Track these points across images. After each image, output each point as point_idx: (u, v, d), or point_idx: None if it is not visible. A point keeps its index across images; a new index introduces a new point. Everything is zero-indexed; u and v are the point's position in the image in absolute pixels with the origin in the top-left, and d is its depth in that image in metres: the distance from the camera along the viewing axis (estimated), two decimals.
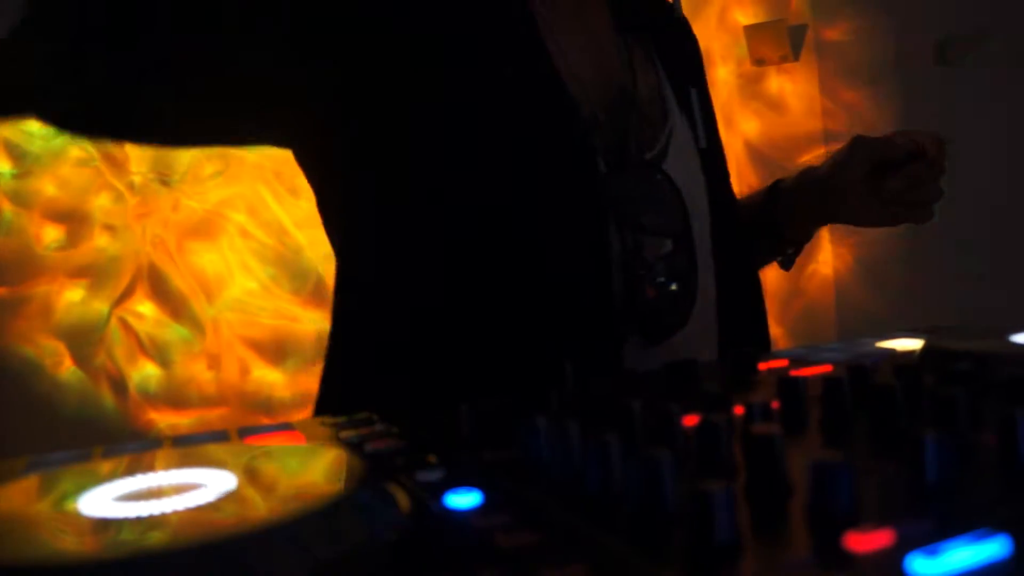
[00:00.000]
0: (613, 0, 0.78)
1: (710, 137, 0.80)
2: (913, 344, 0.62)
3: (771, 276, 1.79)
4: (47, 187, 1.96)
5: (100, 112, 0.63)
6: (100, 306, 1.98)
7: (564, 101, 0.68)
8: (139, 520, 0.28)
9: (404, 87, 0.66)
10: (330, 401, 0.74)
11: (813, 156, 2.36)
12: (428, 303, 0.67)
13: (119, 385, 1.98)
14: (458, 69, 0.66)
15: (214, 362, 2.02)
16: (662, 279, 0.68)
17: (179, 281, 2.02)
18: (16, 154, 1.94)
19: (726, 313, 0.76)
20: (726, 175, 0.84)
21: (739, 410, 0.39)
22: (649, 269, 0.67)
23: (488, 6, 0.70)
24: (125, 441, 0.46)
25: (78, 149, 1.97)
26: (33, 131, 1.95)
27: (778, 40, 2.31)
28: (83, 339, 1.97)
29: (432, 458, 0.38)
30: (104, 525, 0.28)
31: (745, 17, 2.36)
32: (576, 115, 0.68)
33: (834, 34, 2.35)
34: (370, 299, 0.71)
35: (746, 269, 0.83)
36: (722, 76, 2.35)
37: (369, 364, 0.71)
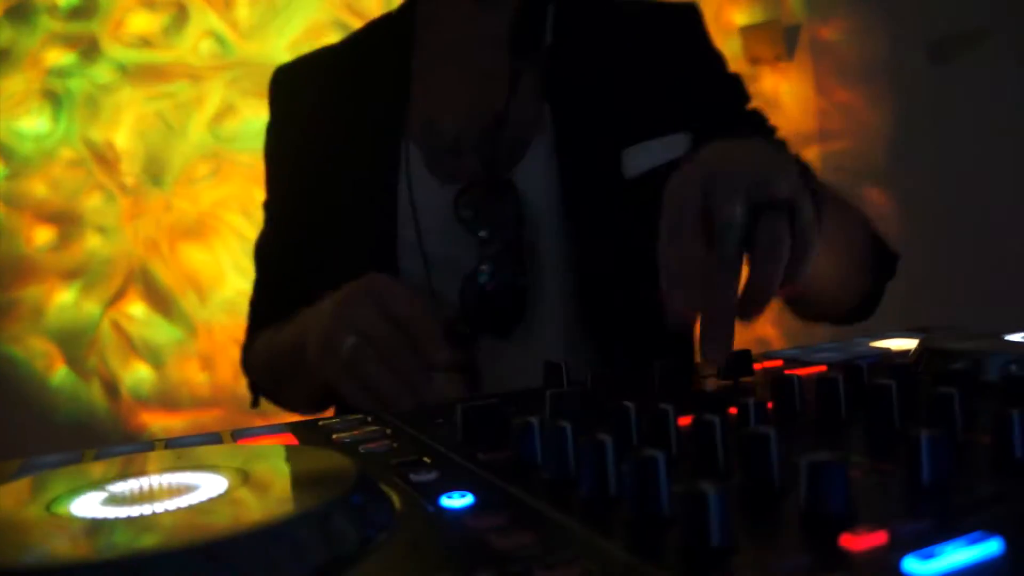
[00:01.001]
0: (514, 26, 0.82)
1: (598, 154, 0.81)
2: (908, 344, 0.62)
3: None
4: (38, 188, 1.96)
5: None
6: (92, 308, 1.97)
7: (402, 142, 0.81)
8: (131, 522, 0.28)
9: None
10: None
11: (808, 155, 2.37)
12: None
13: (111, 387, 1.97)
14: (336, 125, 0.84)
15: (207, 364, 2.02)
16: (489, 280, 0.76)
17: (171, 282, 2.01)
18: (6, 155, 1.93)
19: (596, 316, 0.80)
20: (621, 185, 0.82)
21: (733, 410, 0.39)
22: (478, 273, 0.76)
23: (369, 64, 0.87)
24: (117, 443, 0.46)
25: (69, 150, 1.97)
26: (24, 132, 1.95)
27: (773, 40, 2.31)
28: (75, 341, 1.96)
29: (426, 459, 0.38)
30: (96, 527, 0.28)
31: (740, 17, 2.36)
32: (397, 149, 0.81)
33: (829, 33, 2.35)
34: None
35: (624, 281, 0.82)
36: None
37: None
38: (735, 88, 0.90)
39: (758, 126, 0.89)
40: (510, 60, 0.81)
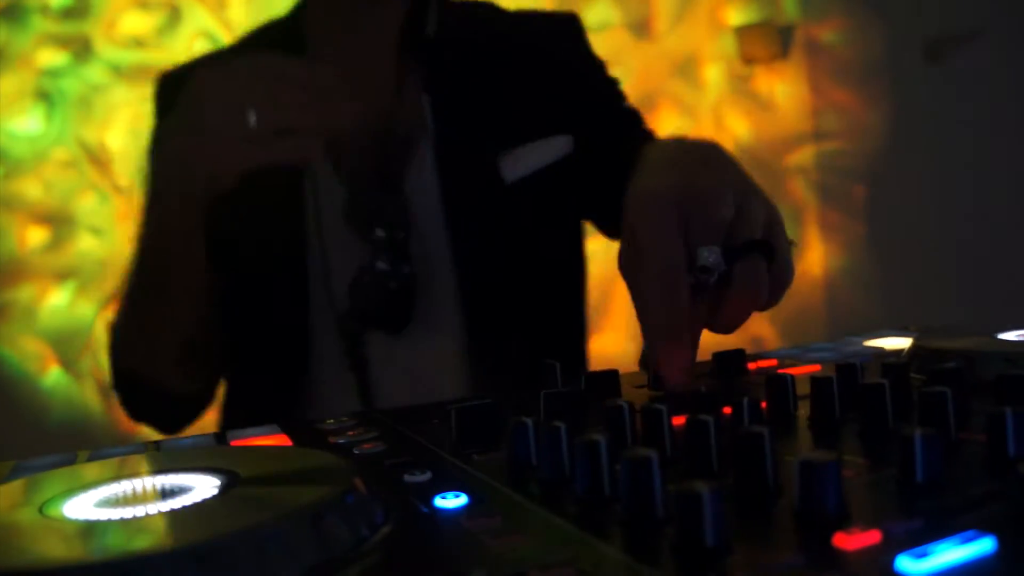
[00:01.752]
0: (407, 22, 0.84)
1: (478, 156, 0.83)
2: (902, 343, 0.62)
3: None
4: (31, 189, 1.95)
5: None
6: (86, 309, 1.97)
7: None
8: (125, 524, 0.28)
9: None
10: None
11: (803, 155, 2.38)
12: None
13: (105, 389, 1.97)
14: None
15: None
16: (382, 278, 0.78)
17: None
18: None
19: (487, 315, 0.82)
20: (498, 188, 0.84)
21: (728, 410, 0.39)
22: (371, 271, 0.78)
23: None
24: (111, 445, 0.46)
25: (62, 151, 1.96)
26: (16, 133, 1.94)
27: (768, 40, 2.32)
28: (68, 342, 1.95)
29: (420, 460, 0.38)
30: (89, 529, 0.28)
31: (735, 17, 2.37)
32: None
33: (824, 33, 2.36)
34: None
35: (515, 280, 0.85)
36: (712, 76, 2.36)
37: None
38: (614, 91, 0.94)
39: (636, 126, 0.93)
40: (397, 58, 0.83)
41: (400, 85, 0.83)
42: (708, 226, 0.48)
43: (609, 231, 0.93)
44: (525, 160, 0.84)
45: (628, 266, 0.52)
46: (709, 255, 0.47)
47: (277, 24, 0.92)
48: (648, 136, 0.92)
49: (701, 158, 0.56)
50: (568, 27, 0.94)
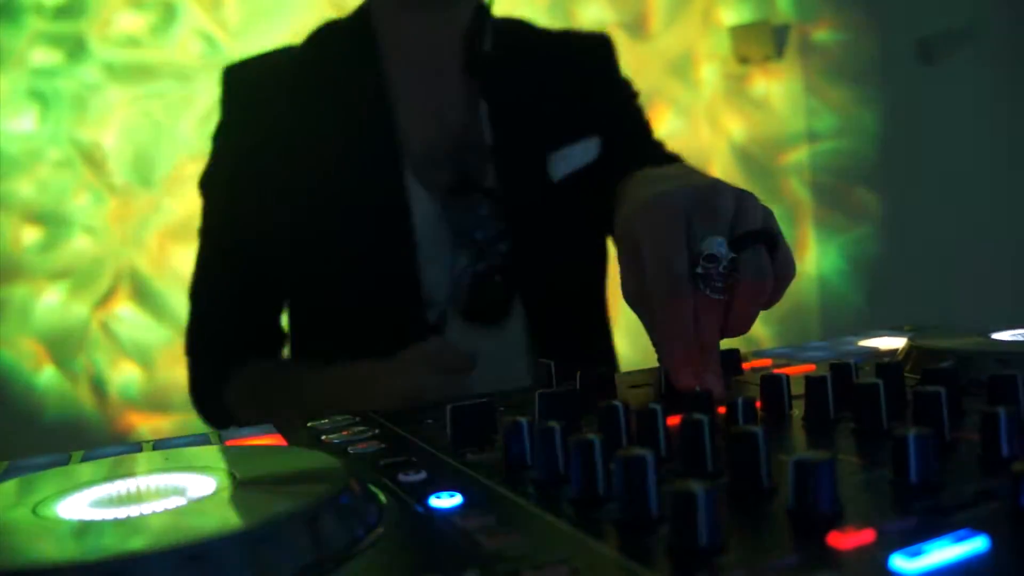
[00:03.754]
0: (468, 35, 0.88)
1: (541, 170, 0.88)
2: (896, 343, 0.62)
3: None
4: (25, 189, 1.94)
5: None
6: (80, 308, 1.96)
7: (389, 154, 0.86)
8: (119, 524, 0.28)
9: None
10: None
11: (797, 155, 2.38)
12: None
13: (99, 388, 1.96)
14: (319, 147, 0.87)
15: None
16: (484, 275, 0.85)
17: (160, 283, 2.00)
18: None
19: (554, 316, 0.87)
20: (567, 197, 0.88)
21: (722, 410, 0.39)
22: (473, 270, 0.84)
23: (345, 85, 0.88)
24: (105, 445, 0.46)
25: (56, 150, 1.96)
26: (10, 132, 1.93)
27: (763, 40, 2.32)
28: (63, 342, 1.95)
29: (414, 460, 0.38)
30: (83, 529, 0.28)
31: (730, 16, 2.37)
32: (398, 160, 0.85)
33: (818, 33, 2.36)
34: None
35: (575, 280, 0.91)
36: (707, 75, 2.36)
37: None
38: (640, 113, 0.99)
39: (660, 154, 0.94)
40: (470, 76, 0.88)
41: (476, 99, 0.87)
42: (711, 220, 0.48)
43: None
44: (568, 160, 0.89)
45: (632, 287, 0.51)
46: (714, 244, 0.47)
47: (346, 29, 0.92)
48: (675, 159, 0.94)
49: (690, 170, 0.59)
50: (601, 46, 0.99)
